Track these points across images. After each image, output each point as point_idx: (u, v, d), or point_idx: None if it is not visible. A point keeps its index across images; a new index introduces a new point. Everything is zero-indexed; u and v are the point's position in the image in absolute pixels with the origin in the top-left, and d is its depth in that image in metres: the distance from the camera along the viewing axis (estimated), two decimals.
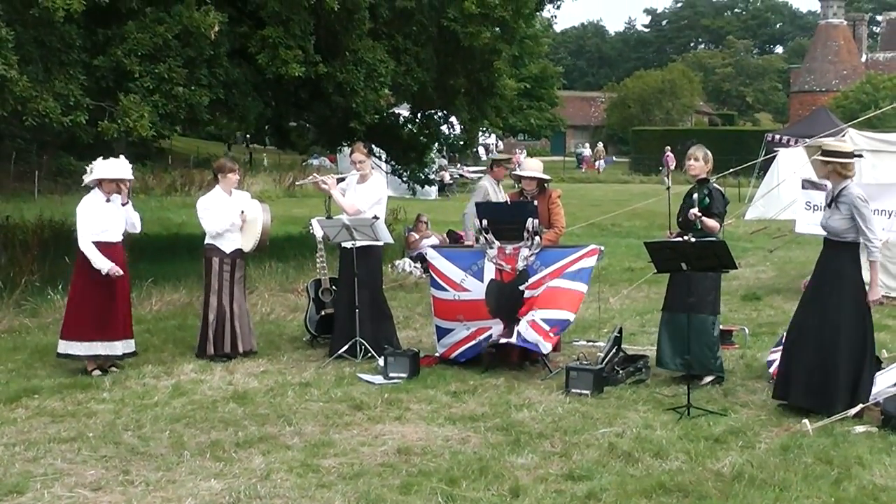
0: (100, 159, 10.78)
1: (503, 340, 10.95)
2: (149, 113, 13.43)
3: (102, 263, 10.56)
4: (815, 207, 15.72)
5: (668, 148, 56.19)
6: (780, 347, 9.98)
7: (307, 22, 15.06)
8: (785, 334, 10.08)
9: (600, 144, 76.72)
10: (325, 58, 15.97)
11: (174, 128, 15.86)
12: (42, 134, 16.12)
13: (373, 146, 16.15)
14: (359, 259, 11.49)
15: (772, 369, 10.26)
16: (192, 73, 14.10)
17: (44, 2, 12.09)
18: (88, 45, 13.82)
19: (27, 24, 12.69)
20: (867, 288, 9.07)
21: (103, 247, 10.64)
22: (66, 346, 10.72)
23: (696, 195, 10.27)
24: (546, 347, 10.69)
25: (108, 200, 10.75)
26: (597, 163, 70.91)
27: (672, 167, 54.91)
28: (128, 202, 10.99)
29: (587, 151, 75.05)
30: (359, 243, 11.44)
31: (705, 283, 10.06)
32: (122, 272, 10.66)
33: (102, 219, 10.67)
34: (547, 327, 10.62)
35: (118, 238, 10.89)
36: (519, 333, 10.70)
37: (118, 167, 10.78)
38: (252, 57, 15.14)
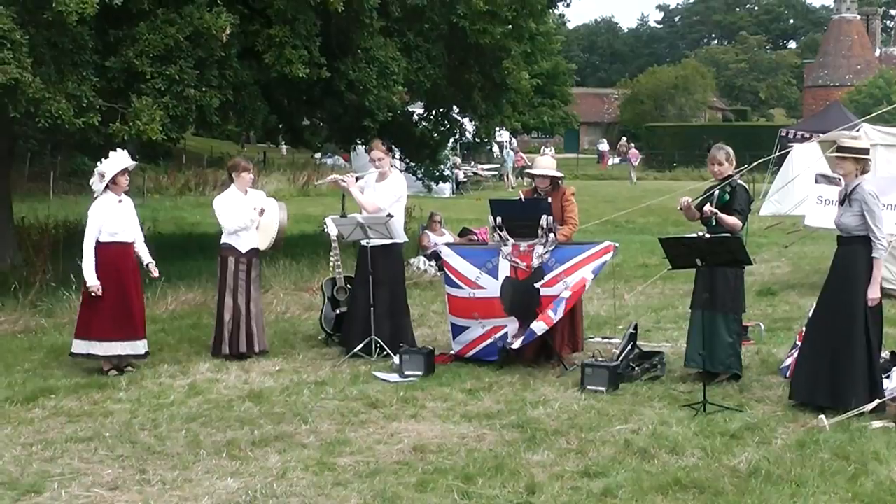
0: (104, 161, 10.79)
1: (515, 345, 10.92)
2: (160, 116, 13.43)
3: (90, 276, 10.60)
4: (827, 202, 15.68)
5: (633, 145, 56.18)
6: (795, 351, 10.00)
7: (313, 23, 15.01)
8: (799, 335, 10.10)
9: (624, 139, 76.65)
10: (336, 56, 15.97)
11: (184, 130, 15.84)
12: (55, 134, 16.15)
13: (391, 144, 16.16)
14: (380, 257, 11.50)
15: (787, 374, 10.26)
16: (202, 74, 14.09)
17: (57, 5, 12.10)
18: (100, 47, 13.81)
19: (40, 25, 12.69)
20: (885, 284, 9.05)
21: (118, 247, 10.69)
22: (83, 346, 10.73)
23: (716, 191, 10.20)
24: (540, 326, 10.63)
25: (120, 201, 10.78)
26: (611, 160, 70.64)
27: (636, 163, 55.01)
28: None
29: (604, 146, 74.80)
30: (378, 242, 11.44)
31: (723, 281, 10.00)
32: (101, 293, 10.62)
33: (115, 220, 10.70)
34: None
35: (132, 238, 10.92)
36: (530, 330, 10.69)
37: (123, 157, 10.81)
38: (259, 55, 15.12)
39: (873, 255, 8.90)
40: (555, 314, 10.67)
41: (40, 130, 13.65)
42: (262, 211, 11.64)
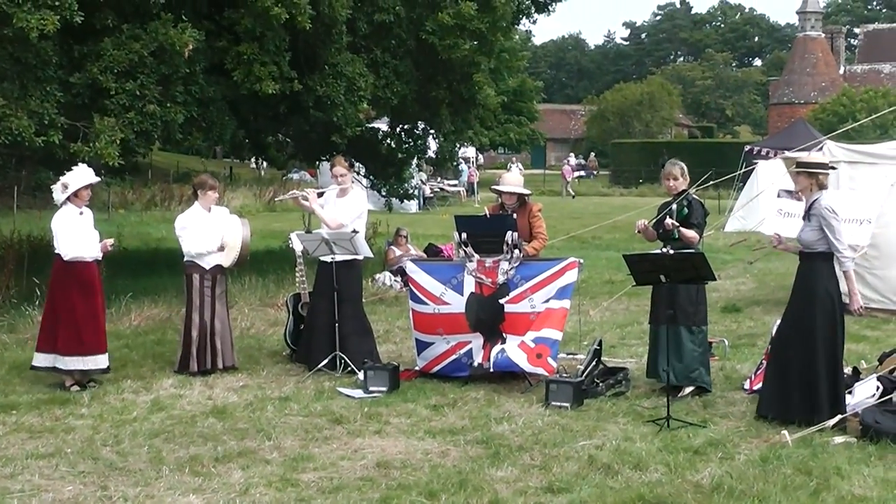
0: (69, 173, 10.74)
1: (482, 364, 10.93)
2: (121, 139, 13.31)
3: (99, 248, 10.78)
4: (787, 214, 15.91)
5: (569, 162, 56.40)
6: (760, 372, 10.09)
7: (281, 38, 14.97)
8: (765, 354, 10.19)
9: (592, 155, 76.90)
10: (303, 72, 15.94)
11: (150, 145, 15.74)
12: (19, 150, 16.02)
13: (353, 160, 16.13)
14: (341, 273, 11.47)
15: (746, 387, 10.39)
16: (166, 90, 14.00)
17: (18, 21, 12.02)
18: (65, 62, 13.74)
19: (2, 41, 12.61)
20: (843, 298, 9.11)
21: (79, 261, 10.62)
22: (46, 360, 10.66)
23: (674, 206, 10.30)
24: (528, 367, 10.65)
25: (80, 213, 10.72)
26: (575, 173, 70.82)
27: (570, 179, 55.36)
28: None
29: (573, 160, 75.02)
30: (339, 257, 11.42)
31: (684, 293, 10.06)
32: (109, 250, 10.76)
33: (76, 234, 10.62)
34: (533, 345, 10.62)
35: (93, 252, 10.86)
36: (503, 352, 10.69)
37: (88, 173, 10.78)
38: (228, 73, 15.07)
39: (842, 269, 8.98)
40: (554, 361, 10.69)
41: (1, 146, 13.52)
42: (224, 240, 11.58)
